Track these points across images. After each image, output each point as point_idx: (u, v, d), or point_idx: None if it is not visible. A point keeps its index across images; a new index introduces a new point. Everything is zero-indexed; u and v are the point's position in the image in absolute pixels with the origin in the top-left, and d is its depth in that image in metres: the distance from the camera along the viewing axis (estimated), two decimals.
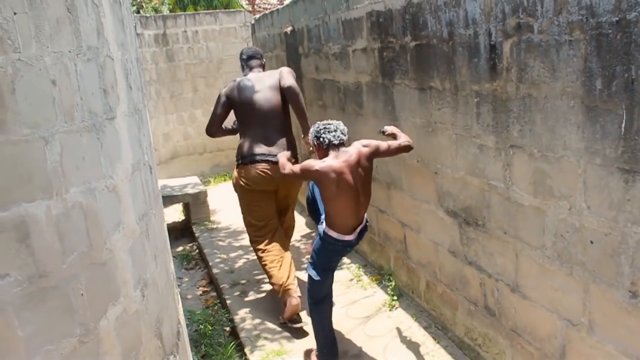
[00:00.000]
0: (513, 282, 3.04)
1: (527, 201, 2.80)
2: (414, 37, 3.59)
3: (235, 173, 4.50)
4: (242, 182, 4.41)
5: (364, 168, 3.33)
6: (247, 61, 4.67)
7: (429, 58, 3.46)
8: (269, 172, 4.28)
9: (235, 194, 4.64)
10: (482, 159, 3.11)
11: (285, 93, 4.38)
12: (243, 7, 11.25)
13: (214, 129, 4.57)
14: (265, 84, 4.41)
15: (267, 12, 7.38)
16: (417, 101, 3.70)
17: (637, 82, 2.07)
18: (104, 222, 1.98)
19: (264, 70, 4.69)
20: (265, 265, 4.36)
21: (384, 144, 3.43)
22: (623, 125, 2.16)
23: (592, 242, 2.43)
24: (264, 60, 4.80)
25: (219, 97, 4.53)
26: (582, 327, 2.57)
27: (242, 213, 4.58)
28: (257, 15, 8.07)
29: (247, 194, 4.45)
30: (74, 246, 1.80)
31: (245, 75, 4.60)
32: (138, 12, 10.05)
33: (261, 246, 4.44)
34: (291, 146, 4.46)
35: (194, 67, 9.57)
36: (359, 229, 3.44)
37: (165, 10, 11.07)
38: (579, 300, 2.57)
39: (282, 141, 4.39)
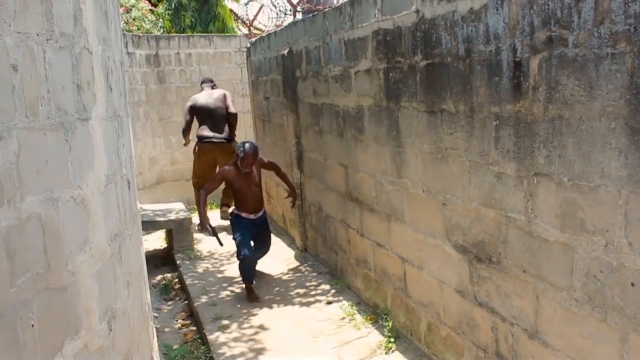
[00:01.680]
0: (532, 327, 2.71)
1: (552, 236, 2.49)
2: (425, 56, 3.32)
3: (196, 146, 7.29)
4: (197, 151, 7.27)
5: (255, 175, 5.27)
6: (202, 84, 7.60)
7: (441, 78, 3.19)
8: (210, 147, 7.11)
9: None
10: (499, 189, 2.81)
11: (229, 114, 7.16)
12: (240, 30, 11.06)
13: (186, 127, 7.36)
14: (213, 97, 7.21)
15: (263, 34, 7.16)
16: (425, 125, 3.42)
17: None
18: (67, 239, 1.66)
19: (212, 88, 7.46)
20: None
21: (267, 164, 5.50)
22: None
23: (633, 285, 2.11)
24: (213, 83, 7.59)
25: (186, 108, 7.41)
26: None
27: (193, 168, 7.49)
28: (254, 39, 7.85)
29: (198, 159, 7.29)
30: (26, 266, 1.47)
31: (200, 92, 7.50)
32: (129, 30, 9.80)
33: (197, 191, 6.88)
34: (229, 133, 7.24)
35: (185, 90, 9.30)
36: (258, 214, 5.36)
37: (156, 32, 10.84)
38: (614, 350, 2.24)
39: (223, 130, 7.17)
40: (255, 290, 5.21)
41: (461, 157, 3.09)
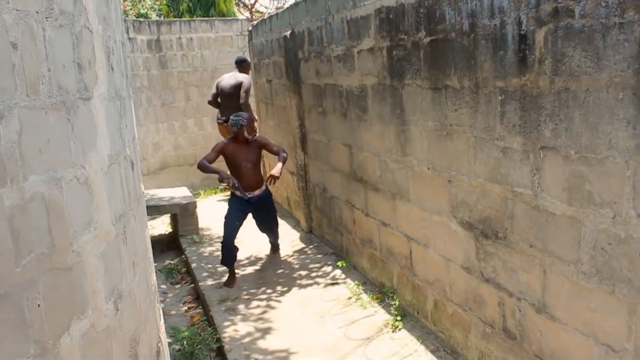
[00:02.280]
0: (539, 301, 2.70)
1: (559, 210, 2.48)
2: (429, 32, 3.29)
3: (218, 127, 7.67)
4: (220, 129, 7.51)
5: (252, 152, 5.16)
6: (235, 63, 7.55)
7: (445, 54, 3.16)
8: (221, 127, 7.45)
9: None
10: (505, 164, 2.79)
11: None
12: (242, 14, 10.97)
13: (212, 100, 7.58)
14: (231, 83, 7.23)
15: (265, 17, 7.11)
16: (429, 102, 3.40)
17: None
18: (71, 219, 1.64)
19: (240, 70, 7.37)
20: None
21: (274, 147, 5.29)
22: None
23: None
24: (245, 64, 7.41)
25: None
26: (626, 354, 2.23)
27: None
28: (255, 22, 7.79)
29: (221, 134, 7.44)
30: (31, 246, 1.45)
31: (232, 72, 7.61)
32: (125, 12, 9.72)
33: None
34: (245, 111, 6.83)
35: (187, 75, 9.26)
36: (253, 193, 5.20)
37: (153, 16, 10.74)
38: (622, 323, 2.24)
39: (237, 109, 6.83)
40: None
41: (466, 133, 3.07)
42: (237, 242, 5.18)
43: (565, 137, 2.38)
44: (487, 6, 2.75)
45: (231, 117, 5.17)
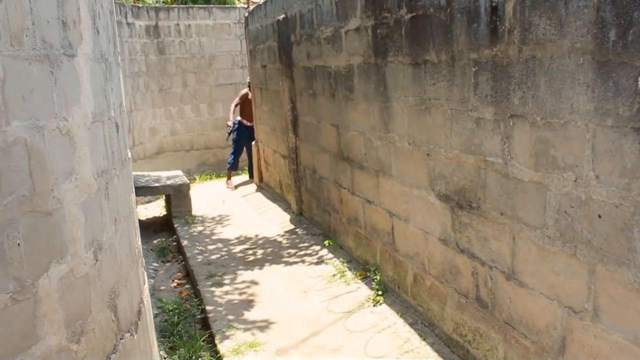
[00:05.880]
0: (509, 268, 2.77)
1: (527, 176, 2.55)
2: (410, 9, 3.35)
3: None
4: None
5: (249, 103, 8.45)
6: None
7: (424, 30, 3.23)
8: None
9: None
10: (478, 134, 2.86)
11: None
12: (239, 1, 11.04)
13: None
14: None
15: (260, 3, 7.17)
16: (410, 78, 3.46)
17: None
18: (52, 167, 1.72)
19: None
20: None
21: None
22: None
23: (599, 217, 2.17)
24: None
25: None
26: (586, 314, 2.30)
27: None
28: (251, 7, 7.86)
29: None
30: (12, 187, 1.53)
31: None
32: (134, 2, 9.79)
33: None
34: None
35: (185, 61, 9.34)
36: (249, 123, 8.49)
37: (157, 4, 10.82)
38: (582, 284, 2.31)
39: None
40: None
41: (443, 106, 3.14)
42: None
43: (532, 104, 2.44)
44: None
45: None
